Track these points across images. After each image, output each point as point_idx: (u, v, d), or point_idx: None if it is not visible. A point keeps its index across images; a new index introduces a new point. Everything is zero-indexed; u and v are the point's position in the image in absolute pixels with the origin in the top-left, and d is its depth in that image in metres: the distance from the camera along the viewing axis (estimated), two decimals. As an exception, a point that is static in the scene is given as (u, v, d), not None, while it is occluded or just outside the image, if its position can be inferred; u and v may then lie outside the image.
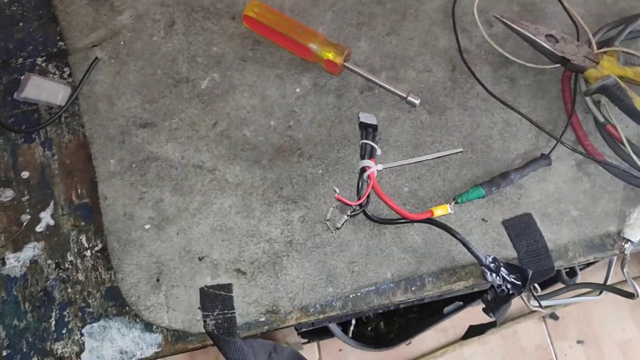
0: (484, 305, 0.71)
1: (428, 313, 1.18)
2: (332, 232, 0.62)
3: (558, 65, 0.69)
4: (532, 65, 0.70)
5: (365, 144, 0.63)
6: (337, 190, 0.59)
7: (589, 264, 1.07)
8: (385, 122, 0.68)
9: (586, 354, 1.41)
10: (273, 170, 0.66)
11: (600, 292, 1.32)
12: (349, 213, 0.60)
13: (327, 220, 0.62)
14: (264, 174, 0.65)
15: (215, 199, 0.64)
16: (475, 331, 0.96)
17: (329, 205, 0.64)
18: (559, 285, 1.20)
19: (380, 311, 1.06)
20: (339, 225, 0.60)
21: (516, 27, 0.68)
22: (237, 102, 0.69)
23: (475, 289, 0.85)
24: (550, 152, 0.66)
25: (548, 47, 0.67)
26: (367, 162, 0.62)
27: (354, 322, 1.18)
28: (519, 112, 0.67)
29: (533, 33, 0.68)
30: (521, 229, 0.64)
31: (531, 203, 0.65)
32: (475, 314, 1.29)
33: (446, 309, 1.09)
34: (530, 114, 0.68)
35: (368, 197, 0.61)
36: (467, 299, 1.02)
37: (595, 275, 1.19)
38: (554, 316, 1.44)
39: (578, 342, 1.42)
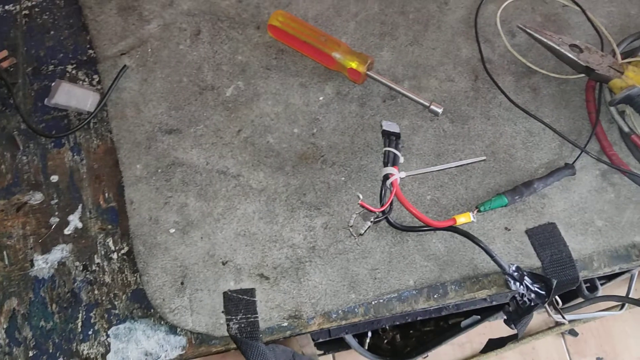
0: (504, 318, 0.71)
1: (445, 327, 1.18)
2: (355, 239, 0.63)
3: (582, 75, 0.70)
4: (555, 75, 0.71)
5: (388, 151, 0.64)
6: (361, 197, 0.60)
7: (610, 278, 1.06)
8: (407, 130, 0.69)
9: (606, 371, 1.40)
10: (296, 176, 0.67)
11: (622, 307, 1.31)
12: (372, 220, 0.61)
13: (350, 226, 0.63)
14: (288, 180, 0.67)
15: (239, 205, 0.66)
16: (495, 344, 0.96)
17: (352, 212, 0.65)
18: (579, 300, 1.20)
19: (397, 323, 1.07)
20: (362, 232, 0.61)
21: (540, 37, 0.69)
22: (261, 110, 0.70)
23: (494, 302, 0.85)
24: (575, 161, 0.66)
25: (572, 56, 0.68)
26: (390, 170, 0.63)
27: (370, 334, 1.18)
28: (542, 122, 0.68)
29: (557, 43, 0.69)
30: (545, 238, 0.64)
31: (555, 212, 0.65)
32: (492, 329, 1.29)
33: (463, 323, 1.08)
34: (554, 123, 0.69)
35: (391, 204, 0.62)
36: (485, 313, 1.02)
37: (615, 290, 1.18)
38: (573, 332, 1.43)
39: (597, 358, 1.41)
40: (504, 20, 0.75)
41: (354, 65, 0.68)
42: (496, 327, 0.69)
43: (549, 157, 0.68)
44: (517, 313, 0.69)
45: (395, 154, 0.64)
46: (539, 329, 1.42)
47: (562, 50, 0.68)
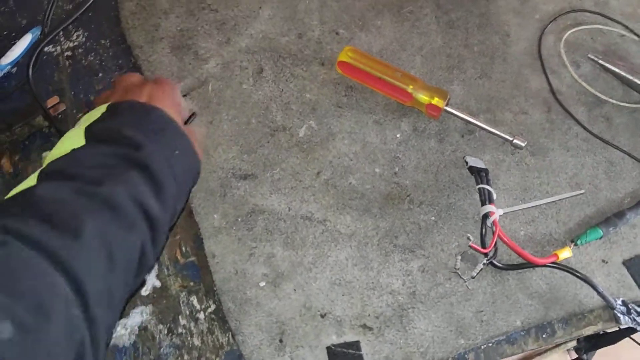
0: (575, 346, 0.73)
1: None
2: (465, 282, 0.63)
3: (653, 103, 0.74)
4: (626, 105, 0.75)
5: (483, 188, 0.66)
6: (472, 239, 0.61)
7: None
8: (490, 165, 0.71)
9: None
10: (385, 218, 0.67)
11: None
12: (484, 261, 0.62)
13: (457, 269, 0.63)
14: (376, 222, 0.67)
15: (329, 252, 0.65)
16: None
17: (447, 253, 0.66)
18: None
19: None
20: (474, 274, 0.62)
21: (611, 67, 0.73)
22: (338, 150, 0.71)
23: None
24: (659, 189, 0.70)
25: (647, 86, 0.72)
26: (490, 208, 0.64)
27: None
28: (623, 150, 0.72)
29: (629, 72, 0.73)
30: (643, 268, 0.67)
31: (647, 242, 0.68)
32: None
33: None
34: (632, 152, 0.73)
35: (495, 244, 0.63)
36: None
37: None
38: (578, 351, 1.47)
39: None
40: (567, 51, 0.79)
41: (434, 100, 0.70)
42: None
43: (633, 186, 0.71)
44: (592, 344, 0.72)
45: (489, 191, 0.66)
46: (546, 347, 1.45)
47: (636, 80, 0.72)
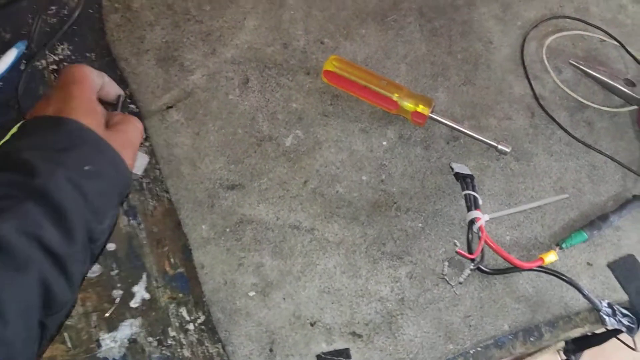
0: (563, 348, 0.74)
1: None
2: (452, 287, 0.64)
3: (633, 107, 0.76)
4: (607, 109, 0.77)
5: (469, 194, 0.66)
6: (458, 244, 0.61)
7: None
8: (475, 171, 0.72)
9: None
10: (372, 226, 0.68)
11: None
12: (471, 267, 0.62)
13: (445, 275, 0.64)
14: (364, 230, 0.67)
15: (318, 260, 0.66)
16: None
17: (435, 259, 0.66)
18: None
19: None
20: (462, 280, 0.63)
21: (593, 73, 0.75)
22: (325, 158, 0.71)
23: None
24: (641, 192, 0.71)
25: (627, 90, 0.73)
26: (476, 213, 0.65)
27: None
28: (606, 155, 0.73)
29: (610, 78, 0.74)
30: (627, 270, 0.68)
31: (631, 244, 0.69)
32: None
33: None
34: (613, 155, 0.74)
35: (482, 250, 0.64)
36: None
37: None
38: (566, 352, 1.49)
39: None
40: (549, 57, 0.80)
41: (419, 108, 0.71)
42: None
43: (615, 189, 0.73)
44: (579, 346, 0.73)
45: (475, 197, 0.67)
46: (537, 348, 1.46)
47: (617, 85, 0.74)
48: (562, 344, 1.40)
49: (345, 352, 0.62)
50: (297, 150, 0.72)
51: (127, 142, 0.50)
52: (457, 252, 0.62)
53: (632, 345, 0.73)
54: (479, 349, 0.64)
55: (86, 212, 0.44)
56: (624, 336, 0.74)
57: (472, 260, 0.63)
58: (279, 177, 0.70)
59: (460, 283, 0.64)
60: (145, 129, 0.71)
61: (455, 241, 0.62)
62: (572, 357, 0.79)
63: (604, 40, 0.83)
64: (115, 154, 0.48)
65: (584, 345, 0.79)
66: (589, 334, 0.71)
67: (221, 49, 0.78)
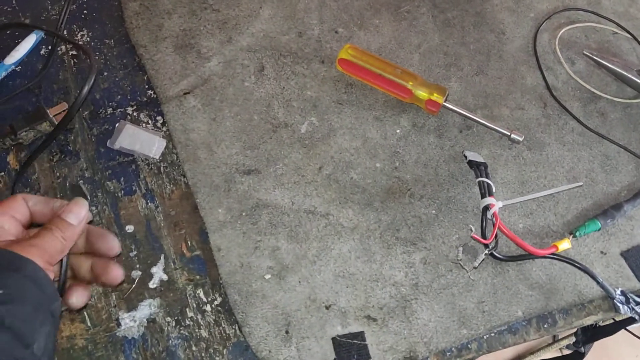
0: (573, 340, 0.74)
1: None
2: (467, 272, 0.64)
3: (647, 98, 0.75)
4: (620, 100, 0.76)
5: (483, 181, 0.66)
6: (473, 229, 0.61)
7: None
8: (488, 159, 0.72)
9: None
10: (386, 212, 0.68)
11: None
12: (486, 252, 0.62)
13: (459, 260, 0.64)
14: (378, 216, 0.67)
15: (333, 245, 0.65)
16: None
17: (448, 245, 0.66)
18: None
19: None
20: (476, 265, 0.63)
21: (606, 64, 0.74)
22: (340, 145, 0.71)
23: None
24: (653, 182, 0.71)
25: (640, 81, 0.73)
26: (490, 200, 0.64)
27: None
28: (619, 145, 0.73)
29: (624, 69, 0.74)
30: (640, 259, 0.68)
31: (644, 233, 0.69)
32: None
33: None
34: (627, 146, 0.73)
35: (496, 236, 0.64)
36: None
37: None
38: (570, 347, 1.48)
39: None
40: (561, 49, 0.80)
41: (433, 97, 0.71)
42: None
43: (629, 179, 0.72)
44: (590, 337, 0.72)
45: (489, 184, 0.66)
46: (539, 345, 1.46)
47: (630, 76, 0.74)
48: (566, 342, 1.41)
49: (360, 335, 0.61)
50: (312, 137, 0.72)
51: (46, 253, 0.43)
52: (472, 237, 0.61)
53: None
54: (492, 334, 0.63)
55: (4, 341, 0.38)
56: (633, 328, 0.74)
57: (486, 245, 0.63)
58: (294, 163, 0.70)
59: (475, 268, 0.63)
60: (163, 114, 0.71)
61: (471, 226, 0.62)
62: (583, 349, 0.78)
63: (616, 33, 0.82)
64: (37, 268, 0.41)
65: (594, 336, 0.78)
66: (598, 325, 0.70)
67: (237, 37, 0.77)
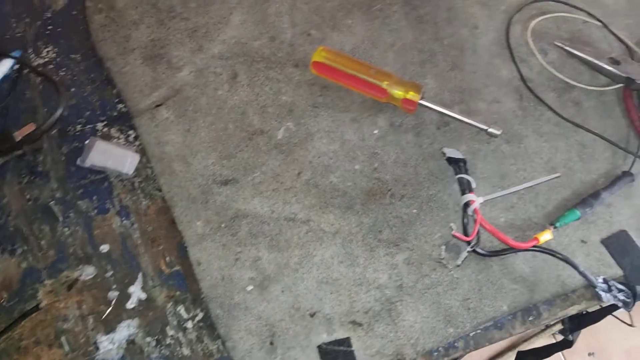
0: (561, 328, 0.73)
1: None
2: (450, 271, 0.62)
3: (618, 85, 0.75)
4: (593, 88, 0.76)
5: (462, 178, 0.65)
6: (454, 227, 0.60)
7: None
8: (467, 155, 0.70)
9: (598, 366, 1.48)
10: (368, 214, 0.66)
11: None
12: (468, 249, 0.61)
13: (442, 258, 0.63)
14: (360, 219, 0.66)
15: (315, 251, 0.64)
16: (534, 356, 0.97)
17: (431, 244, 0.65)
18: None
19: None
20: (459, 262, 0.61)
21: (578, 53, 0.74)
22: (318, 149, 0.70)
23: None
24: (631, 168, 0.70)
25: (612, 69, 0.72)
26: (470, 196, 0.63)
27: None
28: (595, 133, 0.72)
29: (595, 57, 0.73)
30: (621, 246, 0.67)
31: (624, 220, 0.68)
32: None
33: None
34: (602, 134, 0.73)
35: (477, 232, 0.62)
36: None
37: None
38: (563, 332, 1.49)
39: (589, 354, 1.50)
40: (534, 39, 0.79)
41: (409, 95, 0.69)
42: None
43: (605, 166, 0.71)
44: (577, 324, 0.72)
45: (468, 180, 0.65)
46: (532, 332, 1.47)
47: (602, 64, 0.73)
48: (559, 327, 1.41)
49: (346, 342, 0.60)
50: (289, 143, 0.70)
51: None
52: (453, 235, 0.60)
53: (629, 322, 0.72)
54: (478, 331, 0.62)
55: None
56: (619, 313, 0.74)
57: (469, 242, 0.62)
58: (272, 170, 0.68)
59: (458, 266, 0.62)
60: (135, 128, 0.69)
61: (452, 224, 0.61)
62: (571, 337, 0.77)
63: (587, 22, 0.81)
64: None
65: (582, 323, 0.78)
66: (585, 312, 0.70)
67: (208, 45, 0.76)
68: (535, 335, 1.44)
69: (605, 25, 0.80)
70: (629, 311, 0.66)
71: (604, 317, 0.76)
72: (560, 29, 0.81)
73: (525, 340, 1.44)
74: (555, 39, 0.79)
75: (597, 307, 0.83)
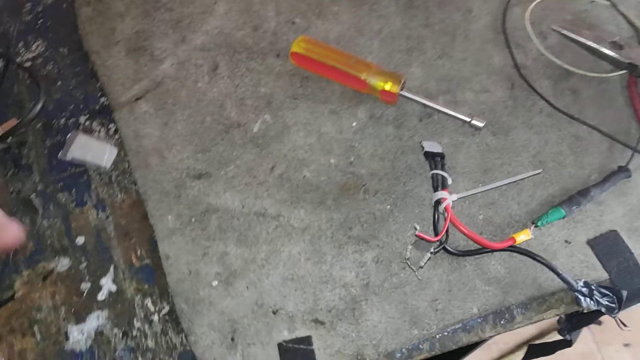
0: (558, 328, 0.70)
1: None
2: (414, 272, 0.60)
3: (623, 72, 0.69)
4: (594, 75, 0.70)
5: (436, 174, 0.62)
6: (418, 227, 0.58)
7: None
8: (449, 148, 0.67)
9: (634, 357, 1.41)
10: (339, 210, 0.65)
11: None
12: (432, 250, 0.59)
13: (407, 259, 0.61)
14: (331, 215, 0.65)
15: (282, 247, 0.63)
16: (540, 351, 0.93)
17: (402, 242, 0.63)
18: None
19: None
20: (422, 264, 0.59)
21: (577, 37, 0.68)
22: (294, 143, 0.68)
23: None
24: (628, 163, 0.65)
25: (614, 54, 0.66)
26: (442, 194, 0.61)
27: None
28: (588, 124, 0.67)
29: (596, 41, 0.67)
30: (608, 247, 0.62)
31: (615, 219, 0.63)
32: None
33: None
34: (600, 125, 0.67)
35: (447, 231, 0.60)
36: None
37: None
38: (597, 322, 1.43)
39: (625, 345, 1.43)
40: (533, 23, 0.74)
41: (387, 86, 0.67)
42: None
43: (600, 161, 0.66)
44: (573, 324, 0.68)
45: (443, 177, 0.62)
46: (549, 329, 1.42)
47: (602, 49, 0.67)
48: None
49: (307, 340, 0.60)
50: (265, 136, 0.69)
51: None
52: (417, 236, 0.58)
53: (623, 323, 0.67)
54: (445, 333, 0.60)
55: None
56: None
57: (436, 243, 0.59)
58: (246, 164, 0.68)
59: (420, 267, 0.60)
60: (115, 122, 0.70)
61: (415, 224, 0.58)
62: (569, 336, 0.74)
63: (594, 1, 0.75)
64: None
65: (579, 323, 0.73)
66: (582, 312, 0.66)
67: (191, 35, 0.75)
68: (551, 332, 1.39)
69: (614, 5, 0.73)
70: (613, 317, 0.61)
71: (602, 315, 0.71)
72: (564, 9, 0.75)
73: (542, 336, 1.39)
74: (557, 22, 0.73)
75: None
